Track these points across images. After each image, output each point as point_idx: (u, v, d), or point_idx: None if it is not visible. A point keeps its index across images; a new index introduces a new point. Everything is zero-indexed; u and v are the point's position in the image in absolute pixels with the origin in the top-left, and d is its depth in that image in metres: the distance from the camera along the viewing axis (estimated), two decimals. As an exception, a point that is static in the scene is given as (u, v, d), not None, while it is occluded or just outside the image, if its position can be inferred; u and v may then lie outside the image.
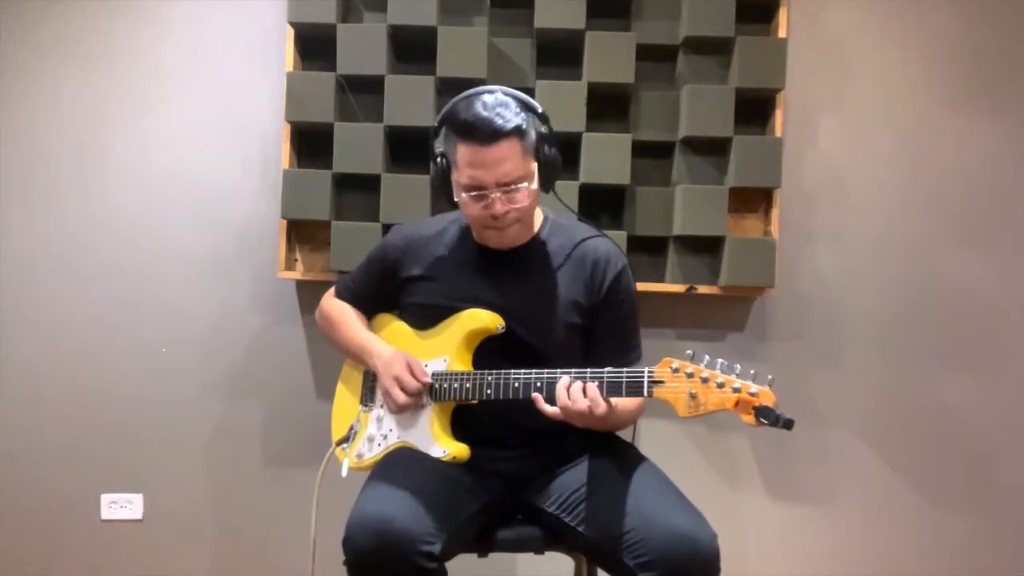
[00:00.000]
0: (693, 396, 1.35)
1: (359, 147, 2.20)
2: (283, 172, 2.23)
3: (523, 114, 1.55)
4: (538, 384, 1.49)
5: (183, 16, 2.32)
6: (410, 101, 2.19)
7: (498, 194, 1.53)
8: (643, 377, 1.40)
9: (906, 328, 2.36)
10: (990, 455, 2.37)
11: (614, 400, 1.45)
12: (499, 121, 1.50)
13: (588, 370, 1.45)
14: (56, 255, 2.33)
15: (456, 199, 1.60)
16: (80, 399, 2.34)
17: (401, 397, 1.59)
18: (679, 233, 2.21)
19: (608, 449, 1.65)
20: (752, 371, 1.34)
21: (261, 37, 2.31)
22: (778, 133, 2.23)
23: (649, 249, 2.28)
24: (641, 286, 2.21)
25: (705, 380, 1.34)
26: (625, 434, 1.72)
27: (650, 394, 1.39)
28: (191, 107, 2.32)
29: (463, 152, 1.53)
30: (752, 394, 1.31)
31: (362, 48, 2.20)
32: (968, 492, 2.38)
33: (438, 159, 1.62)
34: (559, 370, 1.47)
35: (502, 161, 1.51)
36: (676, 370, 1.37)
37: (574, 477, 1.59)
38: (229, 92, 2.32)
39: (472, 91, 1.58)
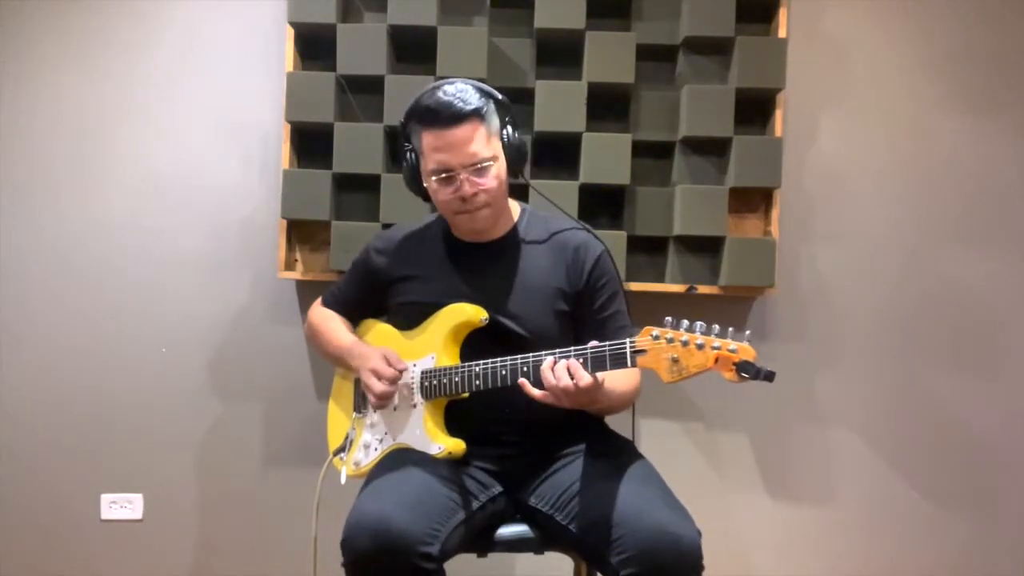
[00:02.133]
0: (675, 360, 1.34)
1: (359, 147, 2.20)
2: (283, 172, 2.23)
3: (483, 98, 1.58)
4: (524, 368, 1.49)
5: (183, 16, 2.32)
6: (410, 101, 2.19)
7: (465, 175, 1.56)
8: (625, 348, 1.40)
9: (906, 328, 2.36)
10: (990, 454, 2.37)
11: (605, 381, 1.46)
12: (459, 104, 1.54)
13: (572, 348, 1.46)
14: (56, 255, 2.33)
15: (427, 187, 1.62)
16: (80, 399, 2.34)
17: (378, 386, 1.60)
18: (679, 233, 2.21)
19: (604, 446, 1.65)
20: (731, 328, 1.33)
21: (261, 37, 2.31)
22: (778, 133, 2.23)
23: (649, 249, 2.28)
24: (641, 286, 2.23)
25: (685, 343, 1.34)
26: (624, 431, 1.72)
27: (634, 363, 1.39)
28: (191, 107, 2.32)
29: (428, 138, 1.57)
30: (731, 351, 1.30)
31: (362, 48, 2.20)
32: (968, 491, 2.38)
33: (407, 154, 1.65)
34: (544, 352, 1.47)
35: (466, 142, 1.55)
36: (657, 337, 1.37)
37: (567, 475, 1.59)
38: (229, 92, 2.32)
39: (432, 84, 1.62)
